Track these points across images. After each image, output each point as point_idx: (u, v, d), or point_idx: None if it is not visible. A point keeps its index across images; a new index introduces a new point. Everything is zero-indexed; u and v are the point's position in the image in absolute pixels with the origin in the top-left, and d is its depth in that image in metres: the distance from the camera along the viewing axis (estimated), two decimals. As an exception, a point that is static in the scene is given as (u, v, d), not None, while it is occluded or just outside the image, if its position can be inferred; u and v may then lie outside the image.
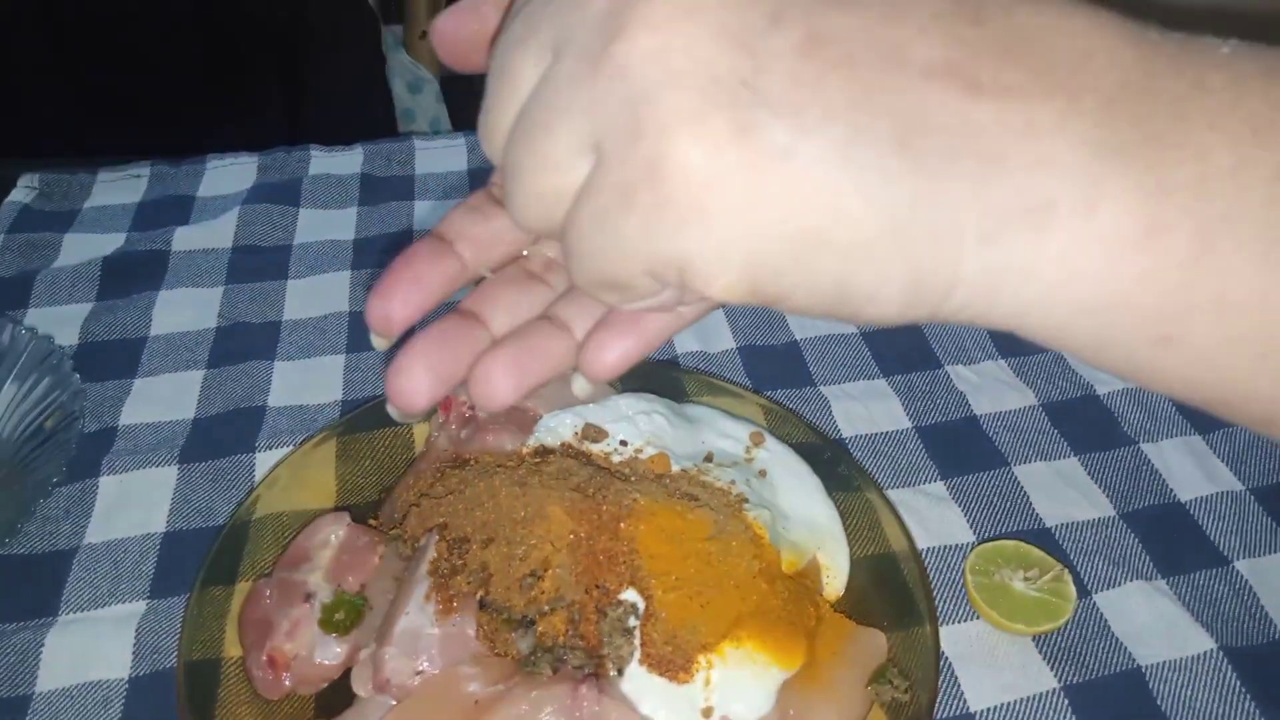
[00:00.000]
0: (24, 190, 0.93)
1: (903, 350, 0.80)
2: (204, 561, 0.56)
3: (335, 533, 0.58)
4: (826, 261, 0.24)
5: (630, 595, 0.51)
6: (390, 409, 0.32)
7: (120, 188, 0.95)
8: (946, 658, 0.59)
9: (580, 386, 0.33)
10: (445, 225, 0.33)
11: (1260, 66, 0.23)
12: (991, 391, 0.77)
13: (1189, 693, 0.58)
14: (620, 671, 0.50)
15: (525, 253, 0.35)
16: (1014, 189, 0.23)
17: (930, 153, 0.23)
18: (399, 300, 0.31)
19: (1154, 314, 0.24)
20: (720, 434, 0.66)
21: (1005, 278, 0.24)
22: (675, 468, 0.61)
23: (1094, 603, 0.63)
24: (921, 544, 0.65)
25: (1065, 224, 0.23)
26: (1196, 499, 0.69)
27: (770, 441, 0.66)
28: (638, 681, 0.50)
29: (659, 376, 0.70)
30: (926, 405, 0.76)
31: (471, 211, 0.34)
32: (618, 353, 0.31)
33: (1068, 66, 0.23)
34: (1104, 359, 0.25)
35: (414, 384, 0.31)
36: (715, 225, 0.24)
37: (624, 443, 0.62)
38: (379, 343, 0.32)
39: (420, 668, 0.50)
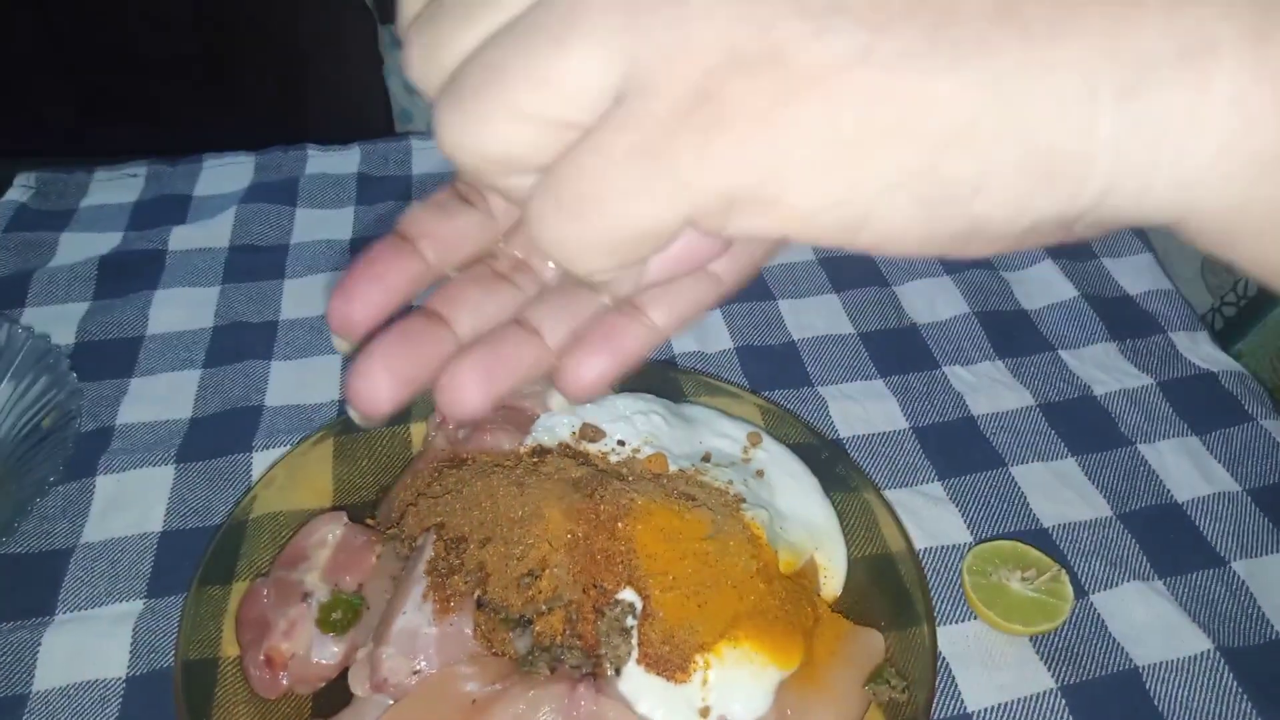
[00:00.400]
0: (20, 189, 0.93)
1: (900, 351, 0.80)
2: (201, 561, 0.56)
3: (332, 532, 0.58)
4: (911, 155, 0.21)
5: (628, 595, 0.51)
6: (350, 411, 0.30)
7: (117, 187, 0.94)
8: (944, 658, 0.59)
9: (558, 403, 0.32)
10: (408, 223, 0.32)
11: None
12: (989, 392, 0.77)
13: (1186, 693, 0.58)
14: (618, 671, 0.50)
15: (494, 251, 0.33)
16: (1158, 30, 0.20)
17: (1041, 14, 0.20)
18: (359, 301, 0.30)
19: None
20: (718, 434, 0.66)
21: (1163, 138, 0.20)
22: (673, 468, 0.61)
23: (1091, 603, 0.63)
24: (919, 544, 0.65)
25: (1232, 61, 0.19)
26: (1193, 500, 0.69)
27: (768, 442, 0.66)
28: (635, 681, 0.50)
29: (656, 376, 0.70)
30: (924, 406, 0.76)
31: (436, 209, 0.32)
32: (595, 371, 0.30)
33: None
34: (1260, 269, 0.22)
35: (374, 386, 0.29)
36: (780, 143, 0.21)
37: (621, 442, 0.62)
38: (340, 345, 0.31)
39: (418, 667, 0.50)
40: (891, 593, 0.58)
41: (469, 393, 0.29)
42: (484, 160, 0.24)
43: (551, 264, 0.32)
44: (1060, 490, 0.70)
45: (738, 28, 0.21)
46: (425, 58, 0.25)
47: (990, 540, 0.64)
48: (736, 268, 0.32)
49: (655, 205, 0.23)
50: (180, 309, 0.81)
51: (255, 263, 0.86)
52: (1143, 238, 0.91)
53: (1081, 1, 0.20)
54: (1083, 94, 0.20)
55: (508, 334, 0.31)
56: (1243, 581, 0.64)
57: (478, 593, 0.52)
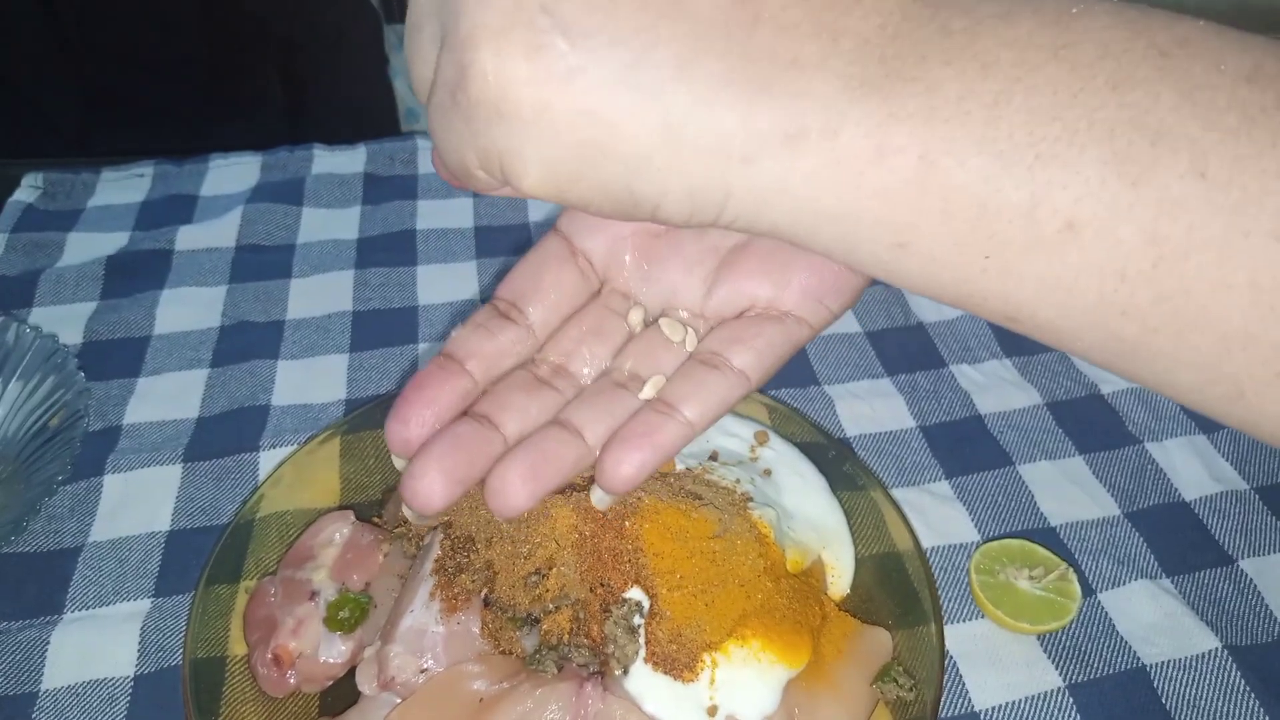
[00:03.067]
0: (28, 190, 0.93)
1: (907, 350, 0.80)
2: (209, 560, 0.56)
3: (340, 531, 0.58)
4: (613, 170, 0.28)
5: (635, 594, 0.51)
6: (406, 510, 0.34)
7: (124, 187, 0.95)
8: (951, 656, 0.59)
9: (599, 499, 0.36)
10: (455, 346, 0.36)
11: (999, 9, 0.26)
12: (996, 391, 0.77)
13: (1194, 691, 0.58)
14: (625, 670, 0.50)
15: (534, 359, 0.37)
16: (775, 117, 0.26)
17: (704, 80, 0.26)
18: (415, 424, 0.34)
19: (889, 223, 0.27)
20: (725, 433, 0.66)
21: (766, 194, 0.27)
22: (680, 466, 0.61)
23: (1099, 602, 0.63)
24: (926, 543, 0.65)
25: (814, 147, 0.26)
26: (1201, 498, 0.69)
27: (775, 440, 0.66)
28: (642, 680, 0.50)
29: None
30: (931, 405, 0.76)
31: (478, 329, 0.37)
32: (634, 466, 0.34)
33: (839, 9, 0.26)
34: (853, 261, 0.29)
35: (429, 487, 0.32)
36: (514, 129, 0.27)
37: (628, 441, 0.62)
38: (400, 463, 0.34)
39: (425, 665, 0.50)
40: (899, 592, 0.58)
41: (516, 493, 0.33)
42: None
43: (586, 369, 0.38)
44: (1068, 489, 0.70)
45: (481, 32, 0.27)
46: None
47: (998, 539, 0.64)
48: (763, 366, 0.36)
49: (455, 151, 0.29)
50: (187, 308, 0.81)
51: (262, 262, 0.86)
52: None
53: (735, 76, 0.26)
54: (722, 154, 0.27)
55: (550, 434, 0.34)
56: (1250, 580, 0.64)
57: (485, 591, 0.52)
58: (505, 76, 0.26)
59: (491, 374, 0.36)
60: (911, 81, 0.26)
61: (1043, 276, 0.26)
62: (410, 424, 0.34)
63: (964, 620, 0.61)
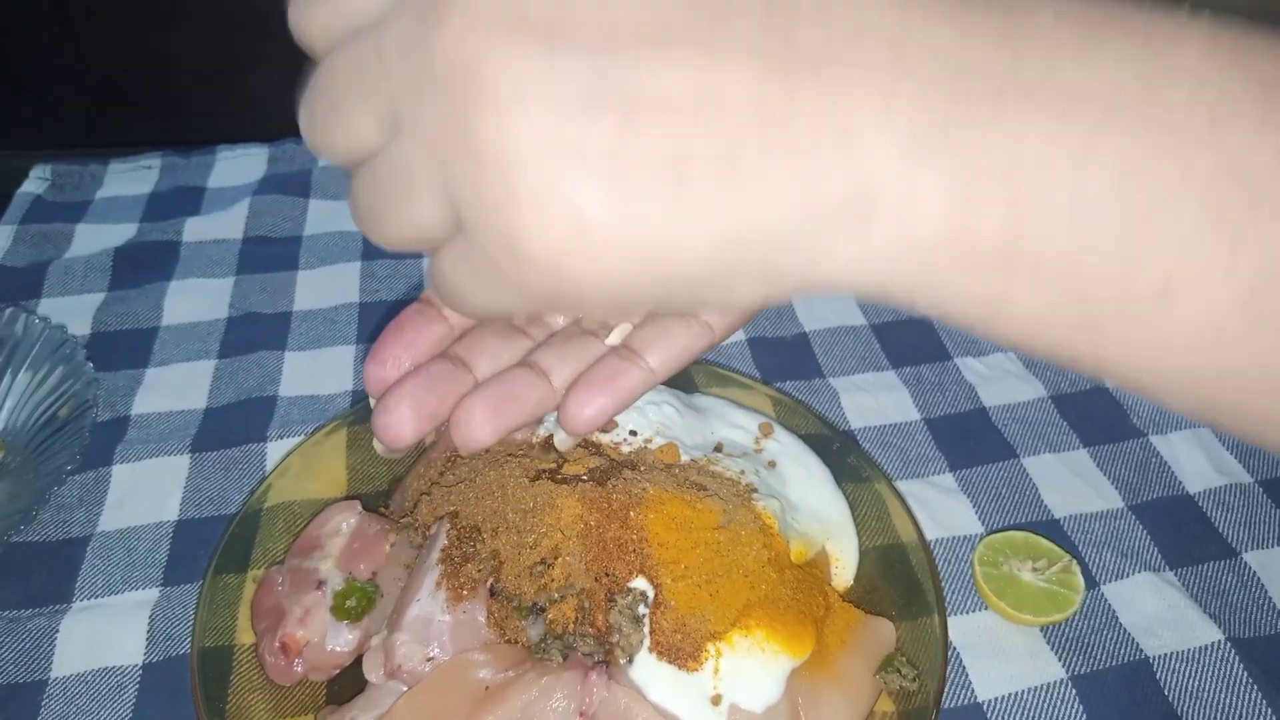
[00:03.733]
0: (36, 181, 0.94)
1: (912, 342, 0.80)
2: (216, 549, 0.57)
3: (346, 521, 0.59)
4: (677, 292, 0.26)
5: (640, 583, 0.52)
6: (375, 444, 0.34)
7: (131, 178, 0.95)
8: (955, 648, 0.59)
9: (561, 439, 0.37)
10: (433, 291, 0.35)
11: (1076, 32, 0.23)
12: (1000, 383, 0.77)
13: (1196, 683, 0.58)
14: (630, 659, 0.50)
15: None
16: (836, 190, 0.24)
17: (751, 183, 0.24)
18: (392, 365, 0.34)
19: (976, 295, 0.25)
20: (729, 424, 0.66)
21: (841, 273, 0.26)
22: (684, 458, 0.61)
23: (1102, 594, 0.63)
24: (930, 535, 0.65)
25: (885, 218, 0.24)
26: (1205, 491, 0.69)
27: (779, 432, 0.66)
28: (647, 669, 0.50)
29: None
30: (935, 397, 0.76)
31: None
32: (595, 408, 0.35)
33: (885, 55, 0.23)
34: (949, 321, 0.27)
35: (399, 420, 0.33)
36: (571, 278, 0.25)
37: (633, 433, 0.62)
38: (375, 404, 0.34)
39: (431, 654, 0.50)
40: (903, 583, 0.58)
41: (478, 428, 0.33)
42: (395, 247, 0.29)
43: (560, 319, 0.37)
44: (1072, 481, 0.70)
45: (522, 194, 0.24)
46: (322, 146, 0.29)
47: (1001, 531, 0.64)
48: (726, 320, 0.36)
49: (495, 300, 0.27)
50: (195, 300, 0.82)
51: (269, 254, 0.87)
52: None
53: (782, 163, 0.24)
54: (784, 248, 0.25)
55: (517, 375, 0.35)
56: (1254, 572, 0.64)
57: (491, 581, 0.52)
58: (551, 236, 0.25)
59: (468, 320, 0.36)
60: (988, 126, 0.23)
61: (1136, 340, 0.25)
62: (387, 365, 0.34)
63: (967, 611, 0.62)
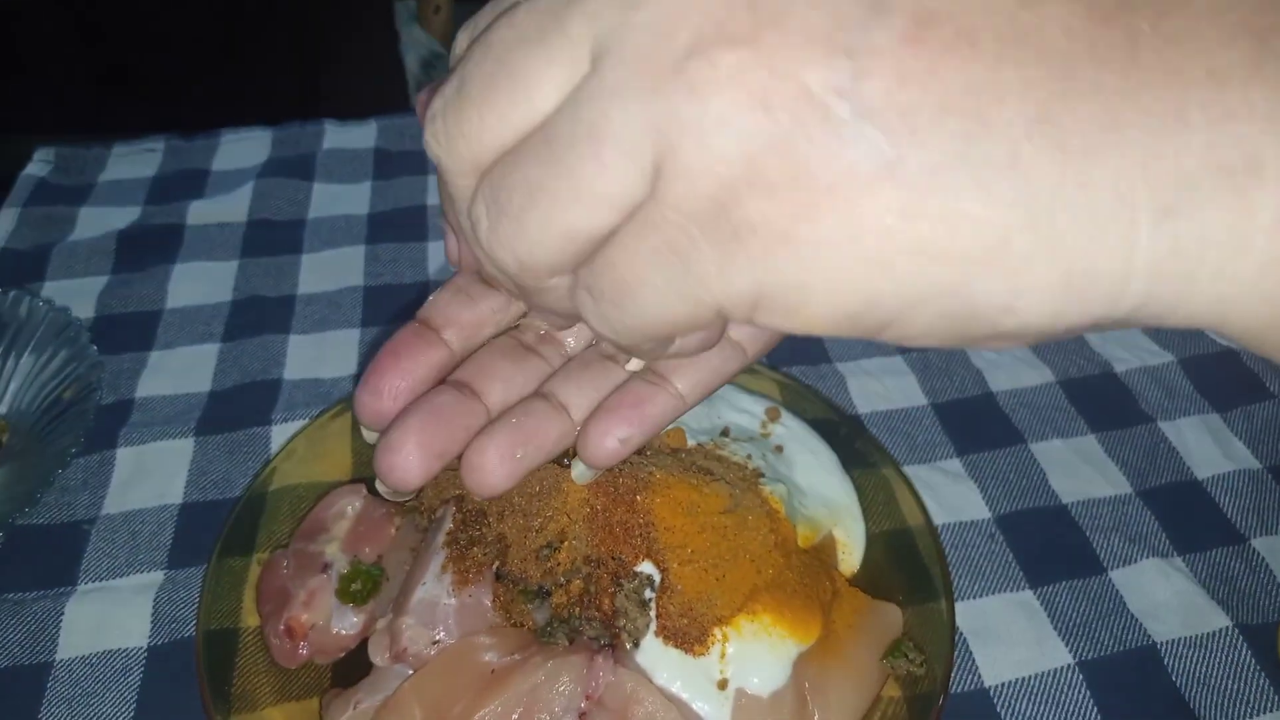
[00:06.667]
0: (39, 164, 0.93)
1: (919, 327, 0.80)
2: (221, 532, 0.56)
3: (352, 504, 0.58)
4: (945, 276, 0.21)
5: (646, 567, 0.51)
6: (379, 486, 0.30)
7: (135, 162, 0.95)
8: (962, 633, 0.59)
9: (579, 473, 0.33)
10: (431, 311, 0.32)
11: None
12: (1008, 368, 0.77)
13: (1204, 669, 0.58)
14: (636, 643, 0.50)
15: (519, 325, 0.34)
16: (1201, 148, 0.19)
17: (1079, 125, 0.19)
18: (387, 395, 0.30)
19: None
20: (736, 409, 0.66)
21: (1202, 257, 0.19)
22: (691, 442, 0.61)
23: (1110, 579, 0.62)
24: (938, 520, 0.65)
25: (1276, 184, 0.19)
26: (1214, 477, 0.69)
27: (786, 417, 0.66)
28: (653, 653, 0.50)
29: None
30: (943, 382, 0.75)
31: (458, 294, 0.32)
32: (618, 439, 0.31)
33: (1249, 5, 0.19)
34: None
35: (406, 462, 0.29)
36: (801, 255, 0.21)
37: (639, 417, 0.62)
38: (369, 436, 0.31)
39: (437, 637, 0.50)
40: (910, 568, 0.58)
41: (493, 471, 0.30)
42: (533, 271, 0.24)
43: (572, 338, 0.33)
44: (1080, 467, 0.70)
45: (756, 139, 0.20)
46: (448, 147, 0.25)
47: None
48: (761, 339, 0.33)
49: (682, 303, 0.23)
50: (199, 283, 0.82)
51: (273, 237, 0.86)
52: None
53: (1124, 111, 0.19)
54: (1120, 215, 0.19)
55: (534, 409, 0.31)
56: (1262, 559, 0.64)
57: (497, 564, 0.52)
58: (797, 195, 0.20)
59: (470, 344, 0.33)
60: None
61: None
62: (383, 395, 0.30)
63: (974, 597, 0.61)
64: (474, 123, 0.24)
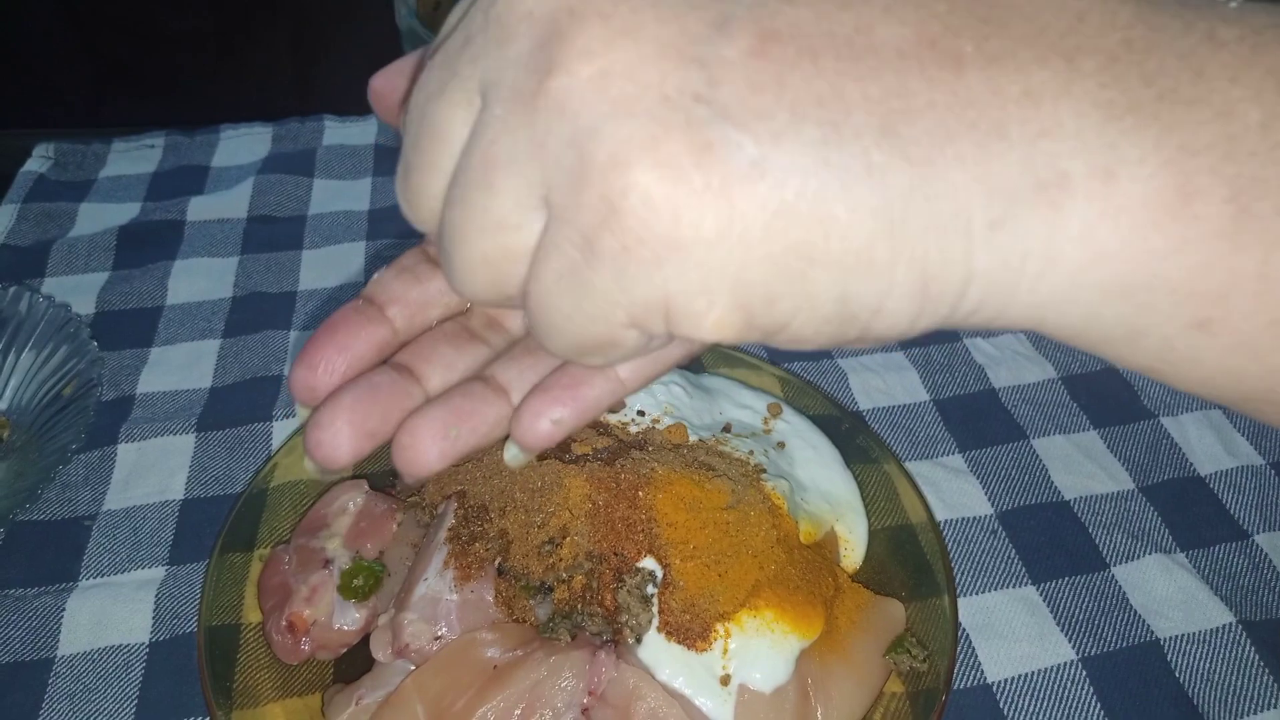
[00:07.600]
0: (39, 160, 0.93)
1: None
2: (223, 528, 0.56)
3: (353, 500, 0.58)
4: (822, 278, 0.22)
5: (648, 563, 0.51)
6: (307, 463, 0.30)
7: (135, 158, 0.94)
8: (964, 629, 0.59)
9: (512, 455, 0.31)
10: (376, 288, 0.31)
11: (1274, 20, 0.21)
12: (1010, 364, 0.77)
13: (1207, 665, 0.58)
14: (638, 639, 0.50)
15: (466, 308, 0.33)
16: (1020, 163, 0.21)
17: (918, 137, 0.21)
18: (323, 370, 0.29)
19: (1190, 293, 0.21)
20: (738, 405, 0.66)
21: (1023, 266, 0.22)
22: (693, 438, 0.60)
23: (1113, 575, 0.62)
24: (940, 516, 0.65)
25: (1083, 197, 0.21)
26: (1216, 473, 0.69)
27: (788, 413, 0.66)
28: (655, 649, 0.50)
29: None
30: (945, 378, 0.75)
31: (404, 273, 0.32)
32: (550, 420, 0.30)
33: (1059, 29, 0.21)
34: (1135, 351, 0.23)
35: (335, 439, 0.28)
36: (692, 258, 0.22)
37: (641, 413, 0.62)
38: (302, 413, 0.30)
39: (439, 633, 0.50)
40: (912, 564, 0.58)
41: (425, 450, 0.29)
42: (483, 298, 0.26)
43: (518, 322, 0.33)
44: (1082, 463, 0.69)
45: (626, 145, 0.21)
46: (411, 211, 0.27)
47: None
48: None
49: (593, 321, 0.24)
50: (199, 279, 0.81)
51: (273, 233, 0.86)
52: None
53: (955, 127, 0.21)
54: (960, 225, 0.21)
55: (472, 391, 0.30)
56: (1265, 554, 0.64)
57: (499, 560, 0.52)
58: (677, 194, 0.21)
59: (415, 324, 0.32)
60: (1196, 104, 0.20)
61: None
62: (318, 370, 0.29)
63: (976, 592, 0.61)
64: (416, 180, 0.26)
